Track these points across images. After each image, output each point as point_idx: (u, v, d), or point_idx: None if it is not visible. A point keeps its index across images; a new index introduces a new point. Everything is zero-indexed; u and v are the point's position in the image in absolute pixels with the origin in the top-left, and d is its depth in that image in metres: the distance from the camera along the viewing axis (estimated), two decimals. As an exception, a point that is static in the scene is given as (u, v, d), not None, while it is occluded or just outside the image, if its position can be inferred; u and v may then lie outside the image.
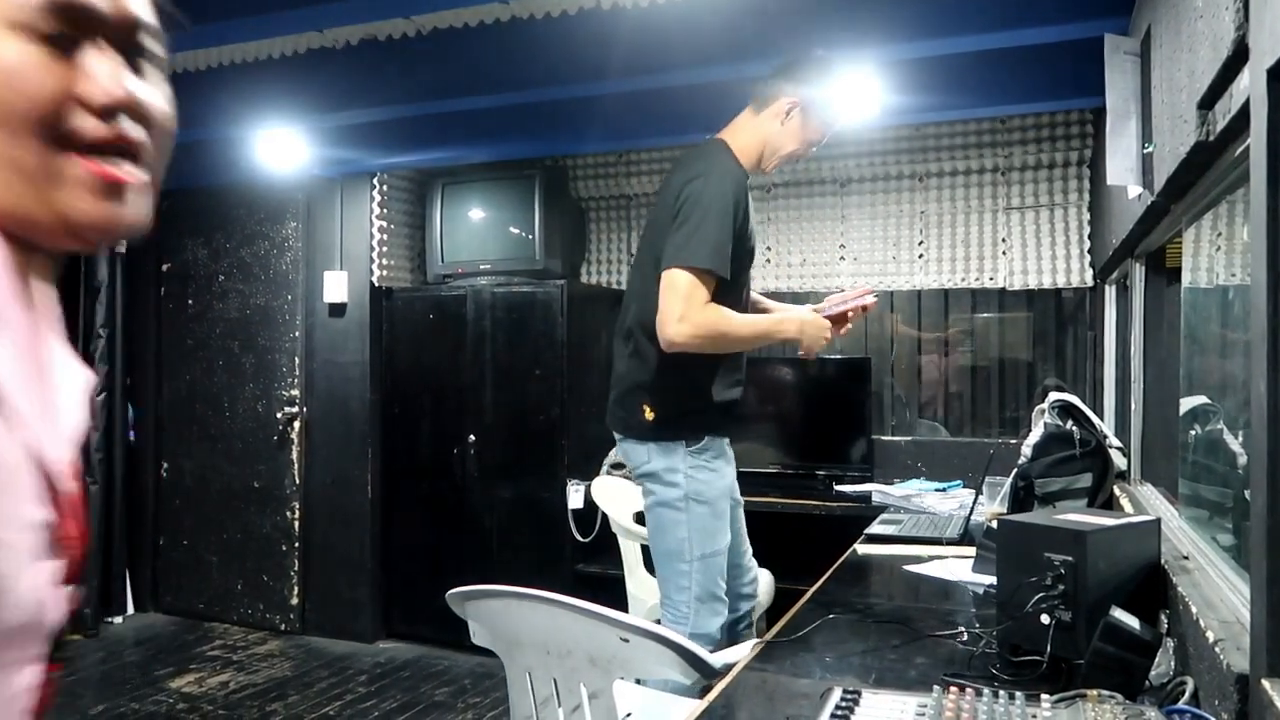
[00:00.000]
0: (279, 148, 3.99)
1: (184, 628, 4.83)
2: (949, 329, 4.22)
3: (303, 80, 3.53)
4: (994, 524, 1.80)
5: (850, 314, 2.34)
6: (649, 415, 2.28)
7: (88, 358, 4.79)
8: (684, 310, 2.13)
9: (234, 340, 4.87)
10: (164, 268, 5.07)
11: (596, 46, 3.07)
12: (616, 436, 2.40)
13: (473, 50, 3.27)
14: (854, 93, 2.33)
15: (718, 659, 1.53)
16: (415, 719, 3.58)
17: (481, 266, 4.43)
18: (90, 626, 4.70)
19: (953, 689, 1.14)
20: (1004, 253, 4.01)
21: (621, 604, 3.40)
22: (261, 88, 3.58)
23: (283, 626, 4.72)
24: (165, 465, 5.05)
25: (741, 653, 1.57)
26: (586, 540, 4.08)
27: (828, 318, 2.30)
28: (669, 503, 2.27)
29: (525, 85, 3.26)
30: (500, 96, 3.36)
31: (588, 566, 4.10)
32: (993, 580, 1.68)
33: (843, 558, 2.30)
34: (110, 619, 4.89)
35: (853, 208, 4.27)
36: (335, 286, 4.59)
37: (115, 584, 4.94)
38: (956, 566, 2.06)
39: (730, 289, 2.24)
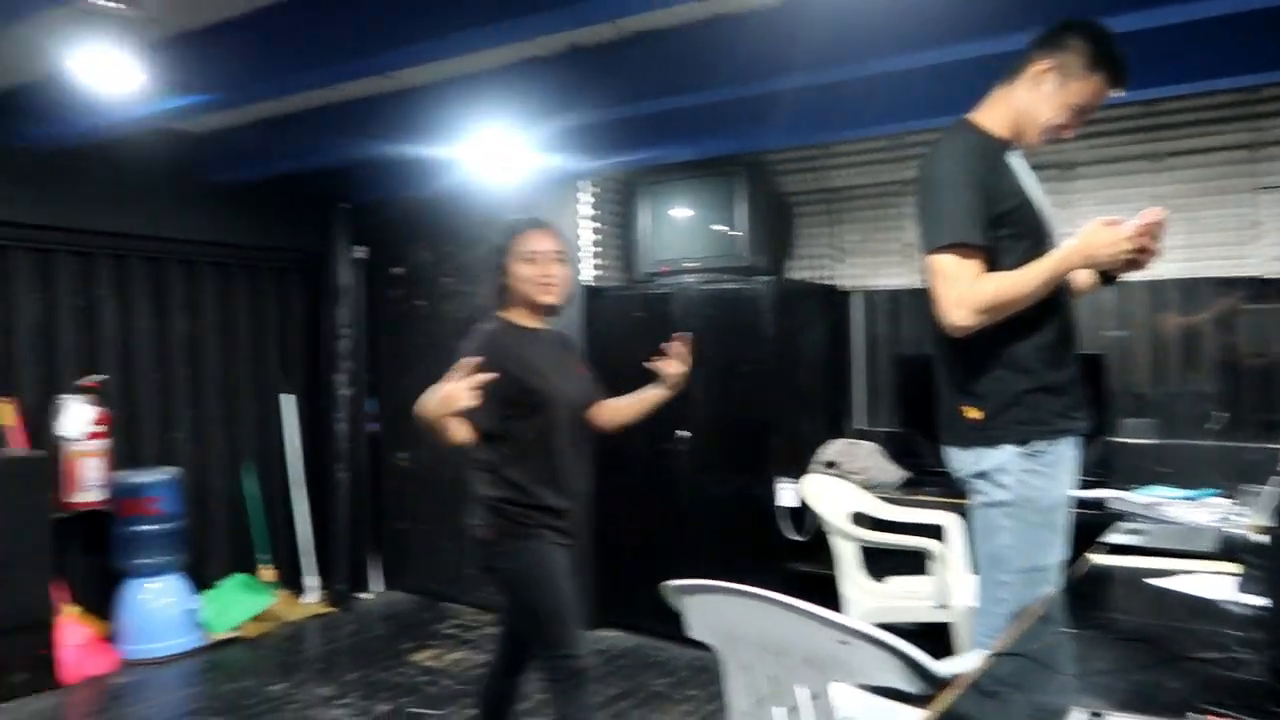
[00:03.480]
0: (494, 155, 4.20)
1: (423, 606, 5.21)
2: (1194, 318, 3.85)
3: (516, 89, 3.70)
4: (1260, 537, 1.63)
5: (1146, 235, 2.03)
6: (972, 415, 2.11)
7: (333, 355, 5.26)
8: (958, 293, 2.01)
9: (459, 339, 5.16)
10: (397, 272, 5.47)
11: (796, 38, 3.03)
12: (944, 449, 2.23)
13: (675, 50, 3.32)
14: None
15: (944, 668, 1.48)
16: (636, 707, 3.69)
17: (687, 264, 4.48)
18: (345, 602, 5.17)
19: (1211, 718, 1.05)
20: (1259, 237, 3.62)
21: (835, 606, 3.35)
22: (477, 99, 3.79)
23: (507, 609, 4.98)
24: (403, 455, 5.46)
25: (969, 663, 1.50)
26: (799, 539, 4.04)
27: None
28: (995, 504, 2.10)
29: (727, 82, 3.27)
30: (703, 94, 3.39)
31: (801, 565, 4.06)
32: (1263, 600, 1.52)
33: (1076, 567, 2.16)
34: (360, 595, 5.36)
35: (1080, 193, 3.99)
36: (551, 287, 4.77)
37: (364, 563, 5.41)
38: (1211, 582, 1.88)
39: (1018, 256, 2.06)
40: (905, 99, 3.53)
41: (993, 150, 2.12)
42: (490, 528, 2.53)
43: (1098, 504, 3.39)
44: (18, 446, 4.16)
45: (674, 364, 2.69)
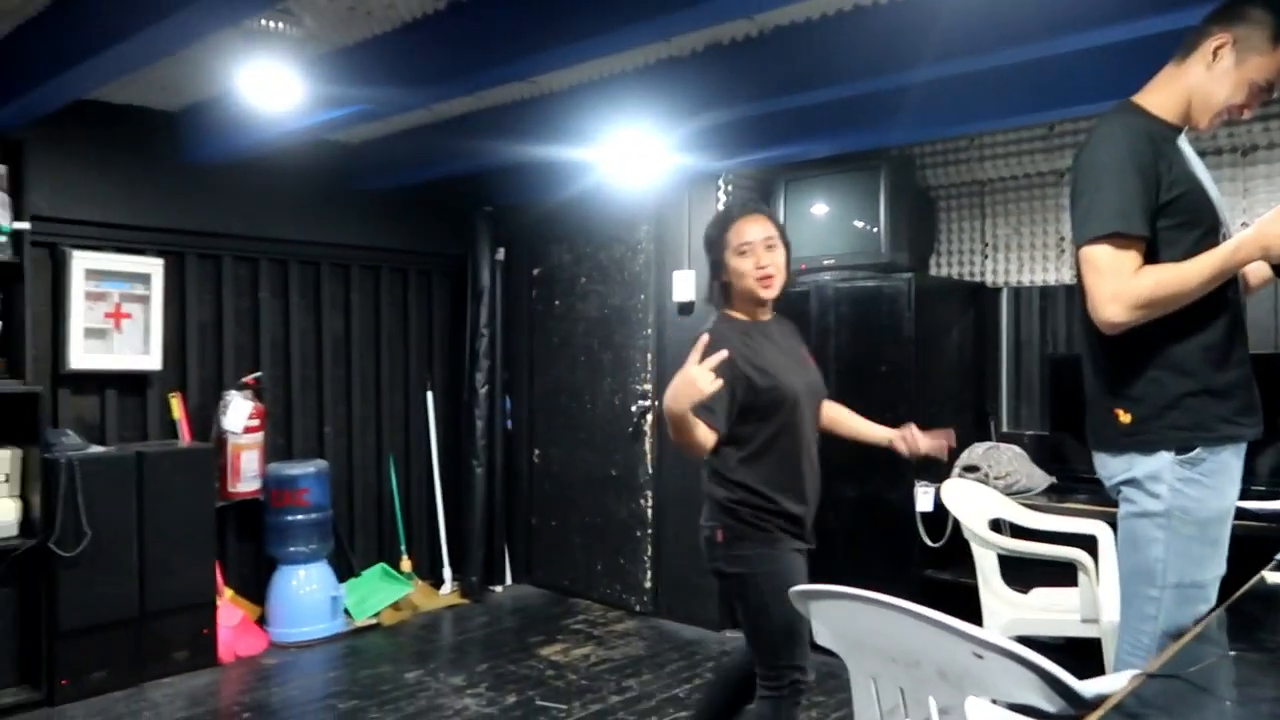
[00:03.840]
0: (632, 156, 4.23)
1: (552, 601, 5.30)
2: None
3: (654, 91, 3.70)
4: None
5: None
6: (1124, 419, 1.97)
7: (473, 354, 5.42)
8: (1114, 287, 1.87)
9: (593, 338, 5.25)
10: (534, 272, 5.59)
11: (940, 25, 2.91)
12: (1093, 454, 2.11)
13: (814, 44, 3.24)
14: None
15: (1088, 688, 1.38)
16: (759, 711, 3.62)
17: (825, 262, 4.38)
18: (477, 594, 5.31)
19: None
20: None
21: (974, 616, 3.20)
22: (616, 102, 3.82)
23: (637, 607, 5.01)
24: (536, 452, 5.58)
25: (1118, 683, 1.39)
26: (936, 546, 3.89)
27: None
28: (1147, 514, 1.95)
29: (868, 74, 3.18)
30: (843, 87, 3.29)
31: (937, 573, 3.90)
32: None
33: (1247, 585, 1.98)
34: (493, 588, 5.50)
35: (1259, 179, 3.68)
36: (684, 286, 4.78)
37: (497, 557, 5.55)
38: (1407, 607, 1.69)
39: (1186, 247, 1.90)
40: (1060, 84, 3.34)
41: (1159, 134, 1.95)
42: (721, 529, 2.43)
43: (1276, 517, 3.12)
44: (185, 439, 4.47)
45: (921, 447, 2.61)
